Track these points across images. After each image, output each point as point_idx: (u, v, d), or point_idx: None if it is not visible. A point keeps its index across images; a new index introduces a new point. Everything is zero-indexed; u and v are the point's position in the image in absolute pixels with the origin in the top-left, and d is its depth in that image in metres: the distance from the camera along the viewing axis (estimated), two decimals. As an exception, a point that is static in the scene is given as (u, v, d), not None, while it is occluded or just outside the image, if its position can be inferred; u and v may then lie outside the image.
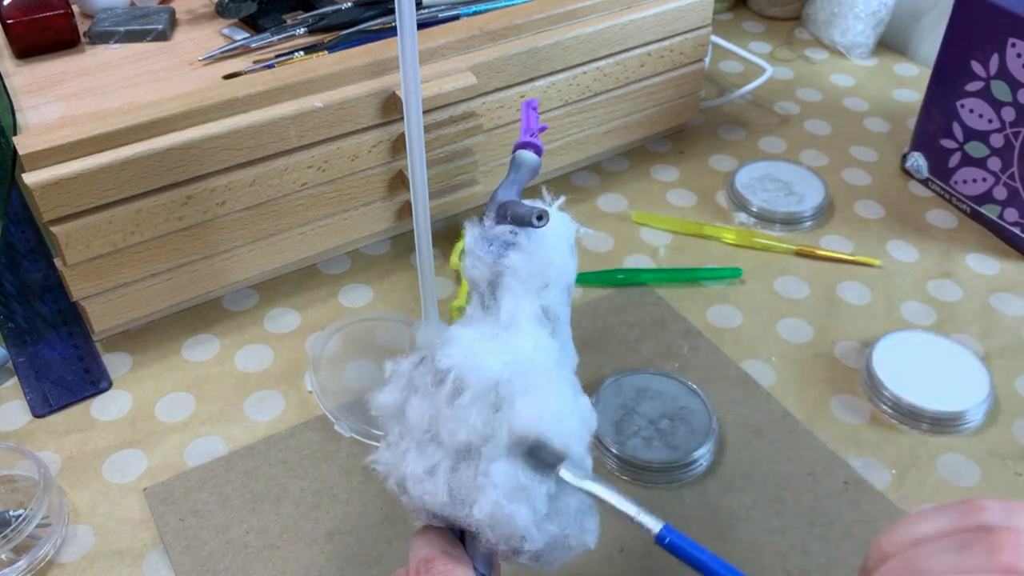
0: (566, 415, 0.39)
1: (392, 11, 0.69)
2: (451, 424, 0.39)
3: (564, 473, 0.38)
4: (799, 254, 0.75)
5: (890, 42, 1.04)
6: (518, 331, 0.42)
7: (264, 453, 0.59)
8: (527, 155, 0.47)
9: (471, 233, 0.44)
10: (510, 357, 0.40)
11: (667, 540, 0.37)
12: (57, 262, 0.61)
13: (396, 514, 0.56)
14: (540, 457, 0.38)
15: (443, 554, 0.39)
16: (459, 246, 0.74)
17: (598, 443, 0.59)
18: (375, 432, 0.59)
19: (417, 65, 0.54)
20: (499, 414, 0.38)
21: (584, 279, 0.72)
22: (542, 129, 0.48)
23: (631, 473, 0.58)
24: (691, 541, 0.36)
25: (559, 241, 0.44)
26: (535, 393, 0.39)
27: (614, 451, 0.59)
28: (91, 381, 0.64)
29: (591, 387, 0.63)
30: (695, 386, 0.63)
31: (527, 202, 0.44)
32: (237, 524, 0.55)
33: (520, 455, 0.38)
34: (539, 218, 0.41)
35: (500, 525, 0.37)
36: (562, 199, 0.46)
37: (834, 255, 0.75)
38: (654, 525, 0.37)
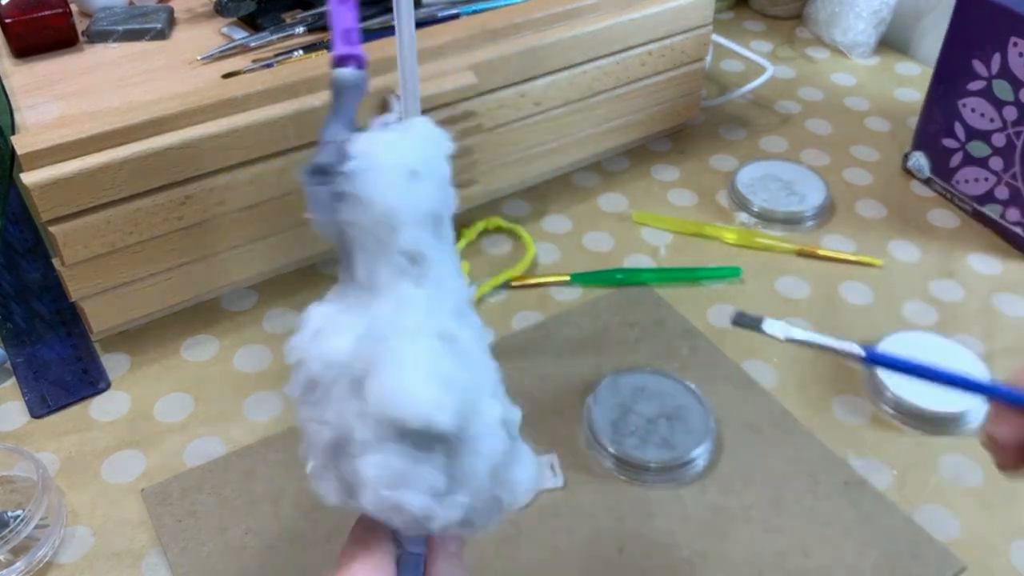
0: (418, 385, 0.33)
1: (391, 10, 0.69)
2: (312, 424, 0.36)
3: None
4: (800, 254, 0.75)
5: (891, 41, 1.04)
6: (377, 292, 0.36)
7: (262, 454, 0.59)
8: (347, 74, 0.38)
9: (306, 193, 0.37)
10: (364, 328, 0.35)
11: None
12: (55, 262, 0.61)
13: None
14: (421, 435, 0.34)
15: (355, 548, 0.37)
16: (458, 246, 0.74)
17: (596, 442, 0.59)
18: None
19: (415, 64, 0.53)
20: (355, 401, 0.34)
21: (583, 279, 0.72)
22: (357, 28, 0.38)
23: (629, 472, 0.58)
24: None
25: (394, 170, 0.36)
26: (384, 368, 0.34)
27: (611, 450, 0.58)
28: (89, 381, 0.64)
29: (589, 386, 0.63)
30: (693, 385, 0.63)
31: (330, 137, 0.36)
32: (235, 525, 0.55)
33: (394, 439, 0.34)
34: (331, 167, 0.34)
35: (393, 513, 0.34)
36: (392, 101, 0.39)
37: (835, 255, 0.75)
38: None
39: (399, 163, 0.36)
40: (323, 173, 0.36)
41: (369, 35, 0.69)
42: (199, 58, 0.67)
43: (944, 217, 0.80)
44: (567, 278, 0.72)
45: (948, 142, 0.79)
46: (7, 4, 0.66)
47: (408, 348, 0.34)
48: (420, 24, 0.69)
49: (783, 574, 0.53)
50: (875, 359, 0.36)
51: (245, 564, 0.53)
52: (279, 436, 0.60)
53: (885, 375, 0.63)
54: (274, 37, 0.68)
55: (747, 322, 0.36)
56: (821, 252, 0.75)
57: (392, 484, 0.34)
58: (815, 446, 0.60)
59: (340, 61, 0.38)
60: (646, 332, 0.68)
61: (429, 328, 0.35)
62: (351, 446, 0.35)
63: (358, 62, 0.38)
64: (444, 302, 0.36)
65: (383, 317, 0.35)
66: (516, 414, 0.37)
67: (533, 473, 0.37)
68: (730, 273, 0.73)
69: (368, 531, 0.37)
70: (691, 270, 0.73)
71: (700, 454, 0.59)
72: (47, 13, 0.66)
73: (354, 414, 0.34)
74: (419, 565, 0.37)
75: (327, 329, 0.36)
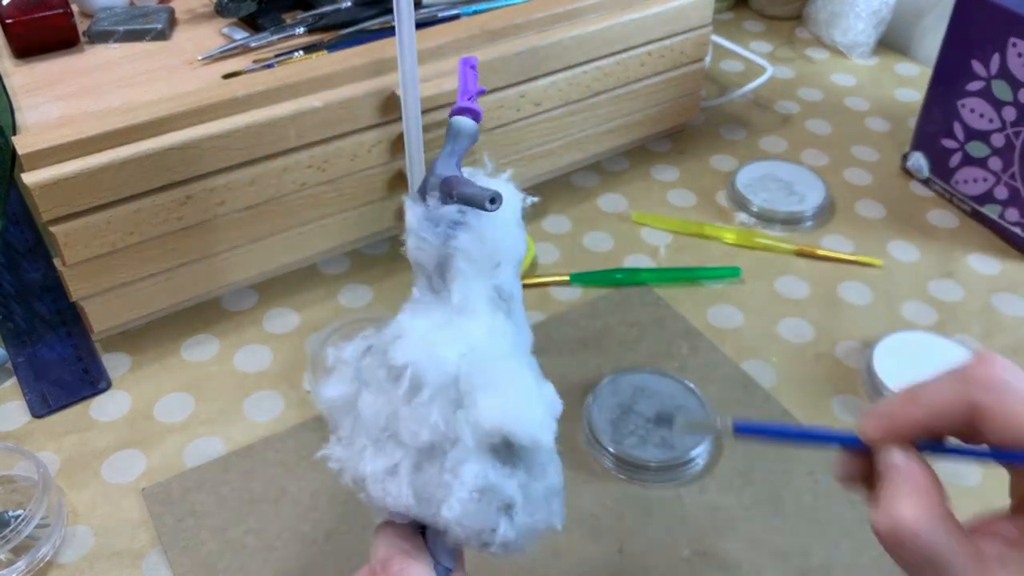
0: (531, 406, 0.37)
1: (391, 10, 0.69)
2: (412, 424, 0.37)
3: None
4: (799, 254, 0.75)
5: (891, 41, 1.04)
6: (472, 316, 0.39)
7: (262, 453, 0.59)
8: (465, 122, 0.43)
9: (414, 212, 0.40)
10: (466, 346, 0.38)
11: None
12: (56, 262, 0.61)
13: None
14: (509, 452, 0.37)
15: (401, 553, 0.38)
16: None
17: (595, 442, 0.59)
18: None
19: (415, 64, 0.54)
20: (462, 411, 0.37)
21: (583, 279, 0.72)
22: (480, 92, 0.44)
23: (628, 472, 0.58)
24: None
25: (509, 217, 0.41)
26: (498, 386, 0.37)
27: (611, 450, 0.58)
28: (90, 381, 0.64)
29: (589, 386, 0.63)
30: (692, 385, 0.63)
31: (475, 179, 0.40)
32: (235, 524, 0.55)
33: (488, 452, 0.37)
34: (492, 201, 0.38)
35: (472, 524, 0.36)
36: (509, 172, 0.42)
37: (834, 255, 0.75)
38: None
39: (516, 210, 0.41)
40: (464, 202, 0.39)
41: (369, 35, 0.69)
42: (200, 58, 0.67)
43: (943, 217, 0.80)
44: (567, 278, 0.72)
45: (947, 142, 0.79)
46: (8, 4, 0.66)
47: (516, 373, 0.38)
48: (420, 25, 0.69)
49: (782, 573, 0.53)
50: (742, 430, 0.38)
51: (245, 563, 0.53)
52: (278, 436, 0.60)
53: (885, 375, 0.63)
54: (274, 37, 0.68)
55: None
56: (821, 252, 0.75)
57: (483, 495, 0.36)
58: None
59: (461, 112, 0.44)
60: (646, 332, 0.68)
61: (522, 357, 0.39)
62: (447, 453, 0.37)
63: (475, 116, 0.44)
64: (524, 341, 0.41)
65: (481, 340, 0.38)
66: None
67: (563, 508, 0.40)
68: (729, 273, 0.73)
69: (406, 540, 0.38)
70: (690, 270, 0.73)
71: (699, 454, 0.59)
72: (48, 13, 0.66)
73: (460, 423, 0.36)
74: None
75: (438, 340, 0.38)
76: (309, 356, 0.64)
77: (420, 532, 0.40)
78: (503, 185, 0.41)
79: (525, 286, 0.71)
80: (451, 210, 0.39)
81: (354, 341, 0.41)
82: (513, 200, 0.41)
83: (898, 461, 0.37)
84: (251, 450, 0.60)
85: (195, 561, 0.53)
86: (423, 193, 0.40)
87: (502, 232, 0.40)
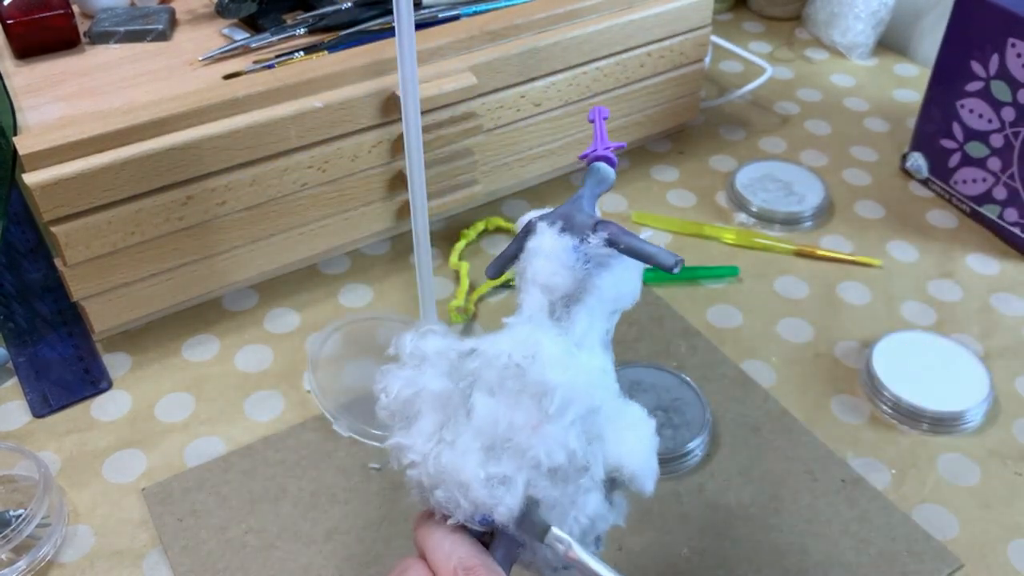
0: (653, 455, 0.40)
1: (392, 11, 0.69)
2: (550, 443, 0.37)
3: (576, 548, 0.38)
4: (799, 254, 0.75)
5: (890, 42, 1.04)
6: (590, 352, 0.41)
7: (262, 453, 0.60)
8: (609, 170, 0.47)
9: (556, 239, 0.42)
10: (599, 380, 0.40)
11: None
12: (57, 262, 0.61)
13: (395, 513, 0.56)
14: (611, 489, 0.39)
15: (484, 562, 0.38)
16: (458, 246, 0.74)
17: None
18: (373, 432, 0.59)
19: (415, 65, 0.54)
20: (595, 445, 0.38)
21: None
22: (619, 146, 0.48)
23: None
24: None
25: (639, 271, 0.44)
26: (630, 429, 0.39)
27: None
28: (91, 381, 0.64)
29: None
30: (688, 378, 0.63)
31: (646, 241, 0.43)
32: (236, 524, 0.55)
33: (607, 489, 0.39)
34: (676, 265, 0.41)
35: (579, 542, 0.38)
36: (651, 232, 0.46)
37: (834, 255, 0.75)
38: None
39: (643, 266, 0.43)
40: (636, 255, 0.42)
41: (370, 36, 0.69)
42: (200, 59, 0.67)
43: (942, 217, 0.80)
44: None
45: (946, 143, 0.79)
46: (9, 5, 0.66)
47: (643, 418, 0.41)
48: (421, 25, 0.69)
49: (781, 572, 0.54)
50: None
51: (245, 562, 0.54)
52: (279, 435, 0.61)
53: (885, 375, 0.63)
54: (275, 38, 0.69)
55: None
56: (820, 252, 0.75)
57: (592, 524, 0.38)
58: (813, 444, 0.60)
59: (602, 158, 0.47)
60: (644, 331, 0.68)
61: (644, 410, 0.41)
62: (570, 478, 0.38)
63: (612, 164, 0.47)
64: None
65: (598, 376, 0.40)
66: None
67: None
68: (728, 272, 0.73)
69: (484, 550, 0.39)
70: (690, 269, 0.73)
71: (697, 446, 0.59)
72: (49, 14, 0.66)
73: (593, 454, 0.38)
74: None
75: (579, 370, 0.39)
76: (309, 356, 0.64)
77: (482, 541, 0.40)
78: (662, 249, 0.43)
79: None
80: (605, 252, 0.42)
81: (433, 336, 0.41)
82: (666, 261, 0.44)
83: None
84: (251, 450, 0.60)
85: (195, 561, 0.53)
86: (567, 222, 0.43)
87: (631, 282, 0.43)
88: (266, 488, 0.57)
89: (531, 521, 0.38)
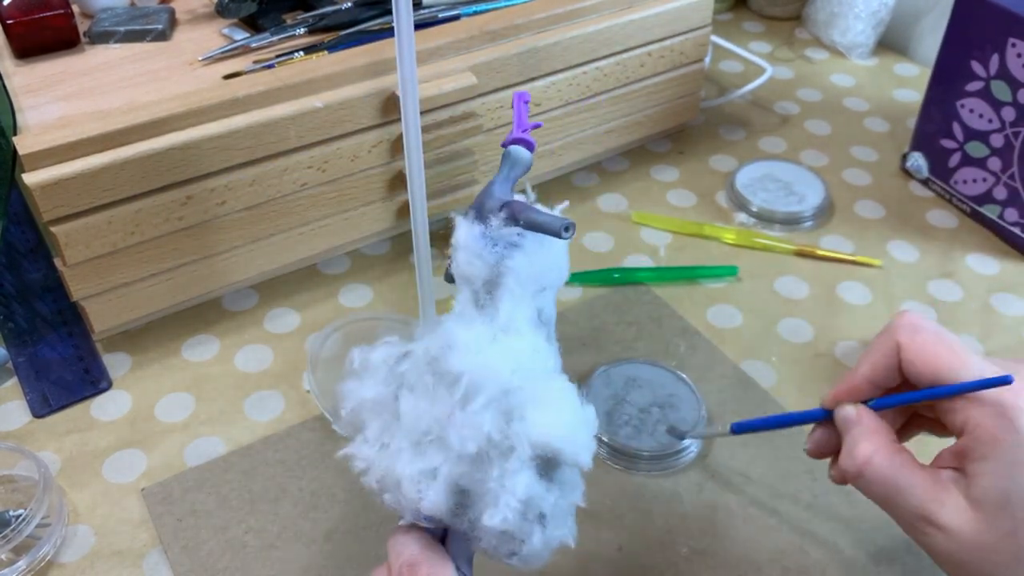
0: (579, 427, 0.39)
1: (392, 11, 0.69)
2: (463, 430, 0.38)
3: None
4: (799, 254, 0.75)
5: (890, 42, 1.04)
6: (517, 334, 0.41)
7: (262, 453, 0.60)
8: (522, 151, 0.46)
9: (468, 229, 0.43)
10: (516, 362, 0.40)
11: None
12: (57, 262, 0.61)
13: (394, 514, 0.56)
14: (547, 467, 0.39)
15: (428, 559, 0.39)
16: (459, 246, 0.74)
17: None
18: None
19: (414, 65, 0.54)
20: (514, 424, 0.38)
21: (581, 278, 0.72)
22: (536, 126, 0.47)
23: (623, 462, 0.59)
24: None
25: (561, 245, 0.44)
26: (549, 404, 0.39)
27: (606, 440, 0.59)
28: (91, 381, 0.64)
29: (583, 381, 0.63)
30: (683, 374, 0.63)
31: (544, 209, 0.42)
32: (235, 524, 0.55)
33: (533, 466, 0.38)
34: (566, 230, 0.40)
35: (509, 534, 0.38)
36: (566, 203, 0.45)
37: (834, 255, 0.75)
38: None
39: (567, 240, 0.42)
40: (534, 228, 0.41)
41: (370, 36, 0.69)
42: (200, 59, 0.67)
43: (942, 217, 0.80)
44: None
45: (946, 143, 0.79)
46: (8, 5, 0.66)
47: (564, 393, 0.40)
48: (420, 25, 0.69)
49: (781, 571, 0.54)
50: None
51: (246, 563, 0.54)
52: (278, 435, 0.61)
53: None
54: (275, 38, 0.69)
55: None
56: (820, 252, 0.75)
57: (528, 507, 0.38)
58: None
59: (517, 142, 0.46)
60: (643, 331, 0.68)
61: (568, 383, 0.41)
62: (494, 462, 0.38)
63: (530, 147, 0.46)
64: (556, 361, 0.42)
65: (526, 358, 0.40)
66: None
67: (575, 525, 0.41)
68: (727, 272, 0.73)
69: (432, 545, 0.39)
70: (689, 269, 0.73)
71: (692, 442, 0.59)
72: (48, 14, 0.66)
73: (513, 435, 0.38)
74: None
75: (491, 353, 0.39)
76: (309, 356, 0.64)
77: (440, 538, 0.40)
78: (560, 216, 0.43)
79: None
80: (511, 232, 0.42)
81: (382, 346, 0.42)
82: (572, 230, 0.43)
83: (849, 413, 0.46)
84: (251, 450, 0.60)
85: (195, 561, 0.53)
86: (478, 211, 0.43)
87: (552, 258, 0.43)
88: (266, 488, 0.57)
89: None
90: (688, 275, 0.73)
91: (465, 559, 0.40)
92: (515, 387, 0.39)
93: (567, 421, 0.39)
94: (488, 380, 0.38)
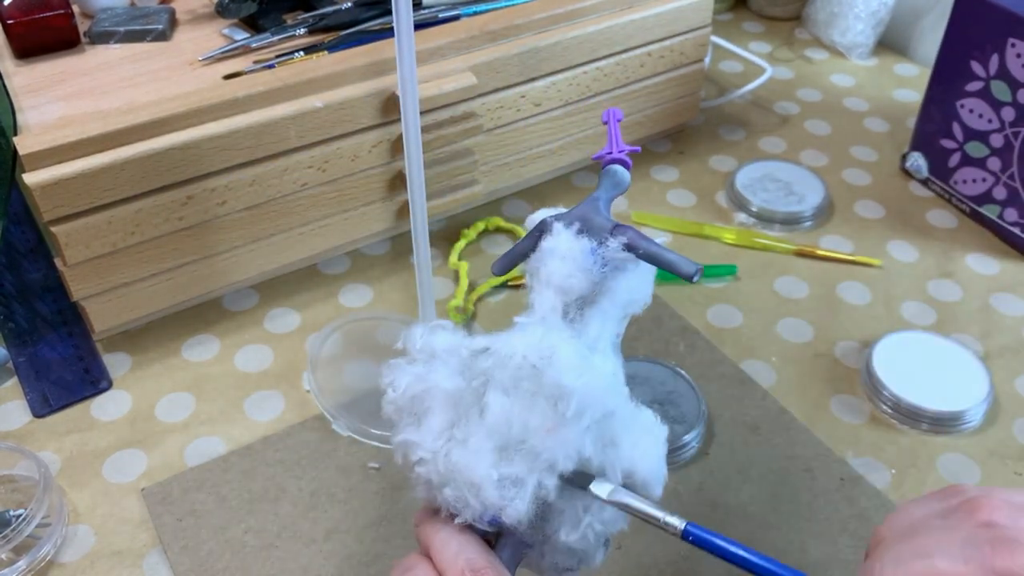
0: (663, 463, 0.40)
1: (392, 11, 0.69)
2: (566, 447, 0.37)
3: (622, 491, 0.39)
4: (799, 254, 0.75)
5: (890, 42, 1.04)
6: (603, 355, 0.41)
7: (262, 453, 0.60)
8: (625, 173, 0.47)
9: (574, 241, 0.42)
10: (608, 385, 0.40)
11: (691, 536, 0.38)
12: (57, 262, 0.61)
13: (394, 513, 0.56)
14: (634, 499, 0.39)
15: (492, 563, 0.37)
16: (458, 246, 0.74)
17: None
18: (373, 431, 0.59)
19: (414, 65, 0.54)
20: (608, 450, 0.38)
21: None
22: (634, 150, 0.47)
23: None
24: (714, 533, 0.38)
25: (651, 275, 0.44)
26: (642, 435, 0.40)
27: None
28: (91, 381, 0.64)
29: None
30: (683, 372, 0.63)
31: (671, 252, 0.42)
32: (235, 524, 0.55)
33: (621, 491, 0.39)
34: (697, 274, 0.41)
35: (579, 552, 0.39)
36: (666, 238, 0.46)
37: (834, 255, 0.75)
38: (679, 523, 0.38)
39: (654, 271, 0.44)
40: (653, 262, 0.42)
41: (370, 36, 0.69)
42: (200, 59, 0.67)
43: (942, 217, 0.80)
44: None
45: (946, 143, 0.79)
46: (9, 5, 0.66)
47: (655, 425, 0.41)
48: (421, 26, 0.69)
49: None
50: (695, 538, 0.38)
51: (245, 562, 0.54)
52: (278, 435, 0.61)
53: (885, 375, 0.63)
54: (275, 38, 0.69)
55: (576, 481, 0.39)
56: (820, 252, 0.75)
57: (604, 528, 0.39)
58: (812, 443, 0.60)
59: (617, 161, 0.47)
60: (643, 330, 0.68)
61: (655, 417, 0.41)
62: (591, 484, 0.38)
63: (628, 167, 0.47)
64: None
65: (610, 380, 0.40)
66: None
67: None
68: (727, 271, 0.73)
69: (491, 553, 0.38)
70: None
71: (692, 439, 0.59)
72: (49, 14, 0.67)
73: (607, 460, 0.39)
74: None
75: (595, 373, 0.39)
76: (309, 356, 0.65)
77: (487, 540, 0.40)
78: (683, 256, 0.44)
79: (521, 286, 0.72)
80: (622, 256, 0.42)
81: (441, 331, 0.41)
82: (686, 269, 0.43)
83: None
84: (250, 450, 0.60)
85: (195, 560, 0.54)
86: (585, 225, 0.42)
87: (644, 287, 0.43)
88: (265, 488, 0.58)
89: (580, 474, 0.38)
90: None
91: (513, 565, 0.40)
92: (612, 411, 0.39)
93: (656, 453, 0.39)
94: (594, 402, 0.38)
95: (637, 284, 0.43)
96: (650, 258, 0.42)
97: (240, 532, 0.55)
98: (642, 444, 0.39)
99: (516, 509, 0.37)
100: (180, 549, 0.54)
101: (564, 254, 0.42)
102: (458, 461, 0.38)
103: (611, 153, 0.47)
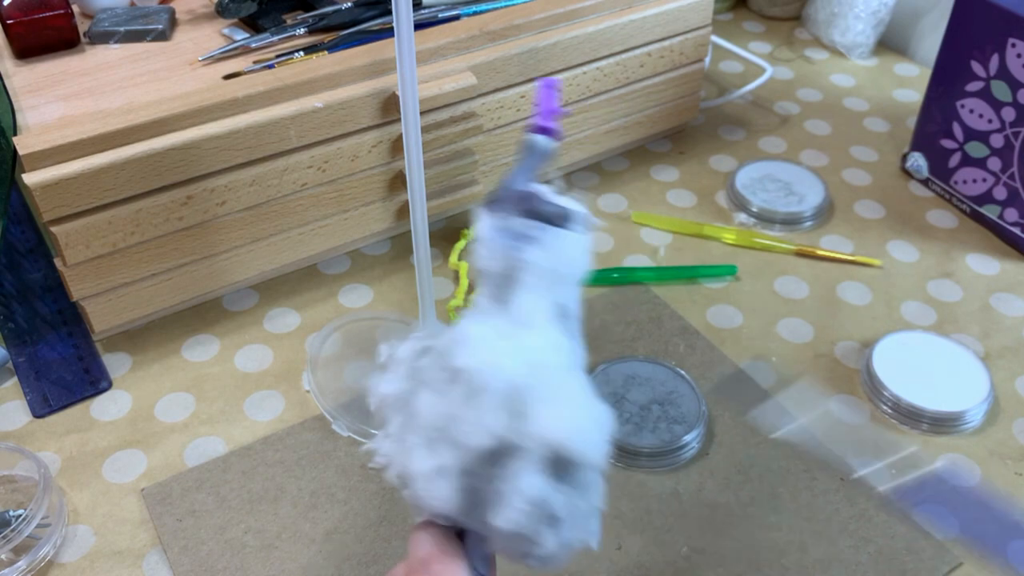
0: (590, 425, 0.39)
1: (392, 11, 0.69)
2: (469, 427, 0.37)
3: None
4: (799, 254, 0.75)
5: (890, 42, 1.04)
6: (535, 329, 0.40)
7: (261, 453, 0.60)
8: (539, 140, 0.45)
9: (485, 222, 0.41)
10: (528, 358, 0.39)
11: None
12: (57, 262, 0.61)
13: (394, 513, 0.56)
14: (560, 467, 0.38)
15: (440, 554, 0.38)
16: (458, 246, 0.74)
17: None
18: (372, 432, 0.59)
19: (414, 65, 0.54)
20: (523, 422, 0.37)
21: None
22: (565, 113, 0.46)
23: (625, 460, 0.59)
24: None
25: (578, 237, 0.42)
26: (558, 401, 0.38)
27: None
28: (91, 381, 0.64)
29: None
30: (683, 372, 0.63)
31: (552, 197, 0.41)
32: (235, 524, 0.55)
33: (542, 465, 0.37)
34: (565, 219, 0.40)
35: (519, 534, 0.37)
36: (581, 194, 0.45)
37: (834, 255, 0.75)
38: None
39: (584, 231, 0.42)
40: (540, 219, 0.40)
41: (370, 36, 0.69)
42: (200, 59, 0.67)
43: (942, 217, 0.80)
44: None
45: (946, 143, 0.79)
46: (9, 5, 0.66)
47: (578, 391, 0.39)
48: (421, 25, 0.69)
49: (780, 570, 0.54)
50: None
51: (245, 563, 0.54)
52: (278, 435, 0.61)
53: (885, 375, 0.63)
54: (275, 38, 0.69)
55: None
56: (820, 252, 0.75)
57: (537, 507, 0.37)
58: (812, 443, 0.60)
59: (541, 131, 0.45)
60: (643, 330, 0.68)
61: (583, 380, 0.40)
62: (502, 461, 0.37)
63: (553, 135, 0.44)
64: (577, 356, 0.42)
65: (541, 353, 0.39)
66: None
67: (600, 527, 0.40)
68: (726, 271, 0.73)
69: (447, 541, 0.39)
70: (688, 268, 0.73)
71: (693, 439, 0.60)
72: (49, 14, 0.67)
73: (520, 433, 0.37)
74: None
75: (500, 348, 0.38)
76: (308, 356, 0.65)
77: (458, 535, 0.40)
78: (574, 205, 0.42)
79: None
80: (524, 223, 0.40)
81: (409, 341, 0.41)
82: (583, 221, 0.42)
83: None
84: (250, 450, 0.60)
85: (195, 561, 0.53)
86: (495, 203, 0.42)
87: (570, 251, 0.41)
88: (265, 488, 0.58)
89: None
90: (687, 275, 0.73)
91: (481, 558, 0.40)
92: (526, 384, 0.38)
93: (578, 419, 0.38)
94: (493, 376, 0.37)
95: (557, 249, 0.41)
96: (537, 216, 0.40)
97: (240, 532, 0.55)
98: (563, 410, 0.38)
99: (441, 498, 0.37)
100: (180, 549, 0.54)
101: (481, 239, 0.41)
102: (401, 461, 0.39)
103: (537, 121, 0.45)
